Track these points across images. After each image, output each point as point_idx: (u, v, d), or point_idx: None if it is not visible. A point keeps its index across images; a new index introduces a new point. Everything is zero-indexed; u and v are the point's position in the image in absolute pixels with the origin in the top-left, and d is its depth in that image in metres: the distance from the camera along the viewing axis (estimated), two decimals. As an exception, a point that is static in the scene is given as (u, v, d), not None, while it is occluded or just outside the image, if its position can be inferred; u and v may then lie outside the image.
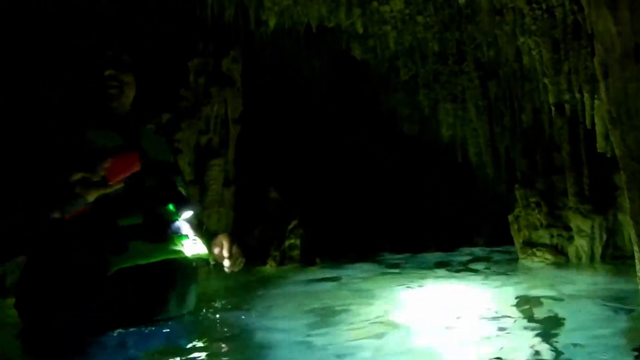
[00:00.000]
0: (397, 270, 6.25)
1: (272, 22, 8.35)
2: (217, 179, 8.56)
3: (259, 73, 10.19)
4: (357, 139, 11.72)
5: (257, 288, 5.10)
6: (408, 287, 4.60)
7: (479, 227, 9.52)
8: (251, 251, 8.42)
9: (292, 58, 10.92)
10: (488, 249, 8.27)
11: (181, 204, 1.69)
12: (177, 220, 1.66)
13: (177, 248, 1.63)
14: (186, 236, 1.66)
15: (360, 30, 8.31)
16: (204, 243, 1.89)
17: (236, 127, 8.75)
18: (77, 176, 1.32)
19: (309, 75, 11.10)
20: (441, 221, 10.50)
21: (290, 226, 8.09)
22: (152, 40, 8.94)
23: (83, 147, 1.55)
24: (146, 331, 1.72)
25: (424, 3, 7.89)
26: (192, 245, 1.72)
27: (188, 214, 1.71)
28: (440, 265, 6.60)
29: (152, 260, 1.55)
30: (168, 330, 1.78)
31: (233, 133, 8.74)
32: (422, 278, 5.17)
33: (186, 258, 1.69)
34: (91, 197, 1.38)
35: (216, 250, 1.85)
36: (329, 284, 5.25)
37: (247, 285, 5.32)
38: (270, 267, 7.50)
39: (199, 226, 1.79)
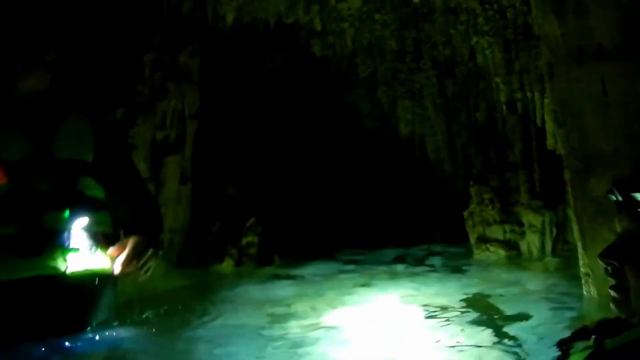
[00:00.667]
0: (353, 267, 6.29)
1: (229, 17, 8.25)
2: (174, 175, 8.41)
3: (218, 68, 10.06)
4: (317, 135, 11.73)
5: (207, 289, 5.02)
6: (363, 285, 4.64)
7: (437, 223, 9.66)
8: (208, 249, 8.35)
9: (252, 53, 10.82)
10: (445, 244, 8.41)
11: (80, 210, 1.43)
12: (68, 230, 1.40)
13: (55, 263, 1.38)
14: (75, 249, 1.41)
15: (319, 27, 8.29)
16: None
17: (193, 123, 8.60)
18: None
19: (270, 70, 11.02)
20: (400, 217, 10.62)
21: (248, 223, 8.03)
22: (106, 34, 8.71)
23: None
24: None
25: (381, 1, 7.93)
26: (83, 260, 1.45)
27: (82, 222, 1.43)
28: (397, 260, 6.67)
29: (19, 276, 1.31)
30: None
31: (190, 129, 8.59)
32: (377, 275, 5.22)
33: (66, 274, 1.39)
34: None
35: (111, 251, 1.53)
36: (284, 284, 5.22)
37: (200, 285, 5.25)
38: (227, 266, 7.42)
39: (103, 236, 1.52)
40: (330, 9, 8.06)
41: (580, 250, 3.43)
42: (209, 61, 9.49)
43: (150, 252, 1.57)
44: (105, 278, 1.50)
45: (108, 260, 1.45)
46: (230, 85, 11.06)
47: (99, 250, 1.46)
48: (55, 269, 1.35)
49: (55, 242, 1.34)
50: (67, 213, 1.40)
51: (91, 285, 1.42)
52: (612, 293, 0.41)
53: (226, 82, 11.00)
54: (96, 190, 1.52)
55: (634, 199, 0.40)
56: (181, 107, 8.55)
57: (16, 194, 1.32)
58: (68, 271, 1.37)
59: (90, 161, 1.52)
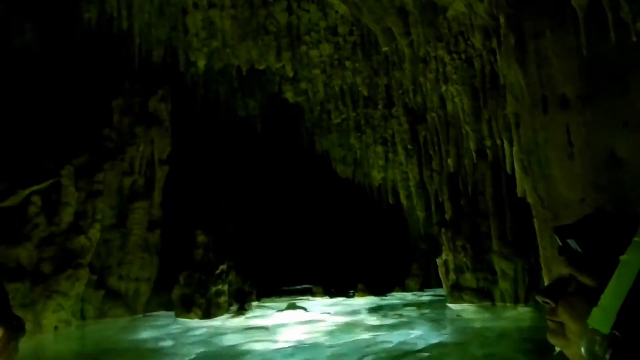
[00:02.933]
0: (324, 318, 6.08)
1: (201, 64, 8.23)
2: (141, 222, 8.18)
3: (190, 113, 9.99)
4: (290, 181, 11.65)
5: (171, 344, 4.75)
6: (331, 344, 4.44)
7: (410, 269, 9.53)
8: (176, 299, 8.01)
9: (225, 99, 10.81)
10: (419, 292, 8.27)
11: None
12: None
13: None
14: None
15: (291, 74, 8.33)
16: None
17: (163, 168, 8.45)
18: None
19: (243, 116, 11.00)
20: (373, 263, 10.47)
21: (218, 271, 7.78)
22: (73, 78, 8.60)
23: None
24: None
25: (352, 49, 8.03)
26: None
27: None
28: (371, 311, 6.48)
29: None
30: None
31: (160, 174, 8.42)
32: (350, 330, 5.03)
33: None
34: None
35: None
36: (253, 335, 4.99)
37: (163, 338, 4.97)
38: (194, 316, 7.12)
39: None
40: (301, 55, 8.11)
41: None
42: (180, 107, 9.44)
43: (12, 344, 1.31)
44: None
45: None
46: (202, 131, 10.99)
47: None
48: None
49: None
50: None
51: None
52: (549, 324, 0.44)
53: (197, 128, 10.93)
54: None
55: (570, 245, 0.43)
56: (150, 152, 8.42)
57: None
58: None
59: None
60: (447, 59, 6.14)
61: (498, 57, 4.54)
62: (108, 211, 7.86)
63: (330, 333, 4.96)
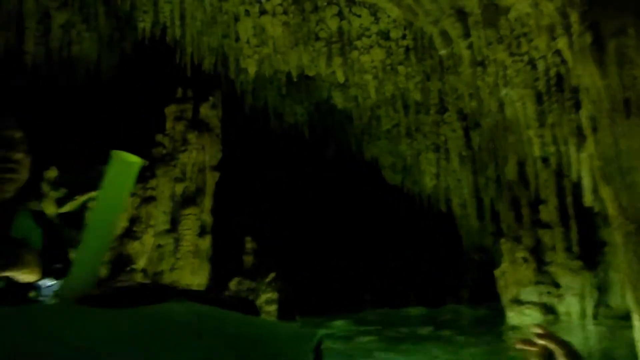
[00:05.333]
0: (375, 329, 5.90)
1: (252, 70, 8.22)
2: (192, 228, 8.22)
3: (239, 120, 10.03)
4: (339, 188, 11.52)
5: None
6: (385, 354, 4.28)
7: (463, 280, 9.22)
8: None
9: (273, 105, 10.82)
10: (473, 304, 7.95)
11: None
12: None
13: None
14: None
15: (342, 80, 8.20)
16: None
17: (214, 175, 8.47)
18: None
19: (291, 122, 10.97)
20: (424, 273, 10.20)
21: (268, 279, 7.72)
22: (128, 86, 8.78)
23: None
24: None
25: (405, 53, 7.85)
26: None
27: None
28: (423, 323, 6.26)
29: None
30: None
31: (210, 181, 8.45)
32: (401, 341, 4.84)
33: None
34: None
35: None
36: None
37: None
38: (245, 324, 7.04)
39: None
40: (352, 61, 7.99)
41: (636, 323, 3.05)
42: (229, 113, 9.48)
43: None
44: None
45: None
46: (251, 138, 11.01)
47: None
48: None
49: None
50: None
51: None
52: None
53: (246, 135, 10.97)
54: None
55: None
56: (201, 159, 8.46)
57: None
58: None
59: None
60: (508, 61, 5.88)
61: (568, 58, 4.27)
62: (161, 217, 7.92)
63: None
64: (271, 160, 10.68)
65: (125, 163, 0.80)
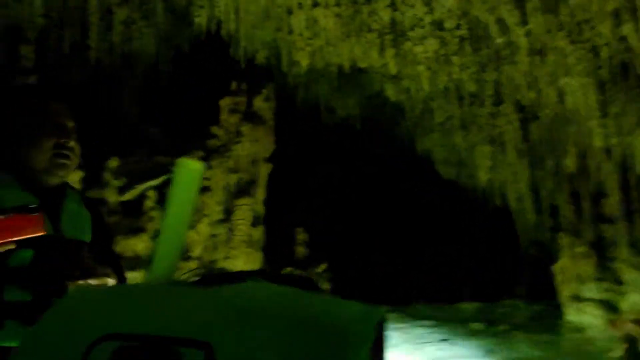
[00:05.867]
0: (431, 323, 5.84)
1: (304, 63, 8.25)
2: (246, 218, 8.38)
3: (291, 112, 10.12)
4: (391, 182, 11.44)
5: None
6: (439, 346, 4.22)
7: (519, 275, 8.98)
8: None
9: (325, 98, 10.83)
10: (530, 300, 7.73)
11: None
12: None
13: None
14: None
15: (394, 71, 8.12)
16: None
17: (267, 166, 8.61)
18: None
19: (343, 115, 10.96)
20: (479, 269, 10.00)
21: (319, 269, 7.78)
22: (184, 79, 9.02)
23: None
24: None
25: (459, 43, 7.68)
26: None
27: None
28: (477, 319, 6.15)
29: None
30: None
31: (263, 172, 8.59)
32: (456, 334, 4.77)
33: None
34: None
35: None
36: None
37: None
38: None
39: None
40: (405, 52, 7.89)
41: None
42: (281, 106, 9.57)
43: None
44: None
45: None
46: (302, 130, 11.09)
47: None
48: None
49: None
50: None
51: None
52: None
53: (298, 127, 11.05)
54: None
55: None
56: (255, 150, 8.60)
57: (38, 263, 1.29)
58: None
59: (89, 242, 1.43)
60: (568, 49, 5.66)
61: (634, 44, 4.08)
62: (215, 207, 8.11)
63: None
64: (323, 154, 10.72)
65: (190, 169, 0.90)
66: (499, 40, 5.91)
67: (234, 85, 8.72)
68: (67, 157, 1.38)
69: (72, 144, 1.38)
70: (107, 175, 7.37)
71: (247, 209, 8.32)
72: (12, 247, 1.17)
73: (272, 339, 0.60)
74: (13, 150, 1.36)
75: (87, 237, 1.43)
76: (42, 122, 1.35)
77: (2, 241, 1.15)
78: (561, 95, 6.42)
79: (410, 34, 7.84)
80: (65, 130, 1.38)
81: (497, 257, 10.46)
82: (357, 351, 0.61)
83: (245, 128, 8.49)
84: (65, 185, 1.45)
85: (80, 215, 1.44)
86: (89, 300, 0.74)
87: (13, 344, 1.25)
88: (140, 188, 7.45)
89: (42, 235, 1.17)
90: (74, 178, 7.19)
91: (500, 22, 5.92)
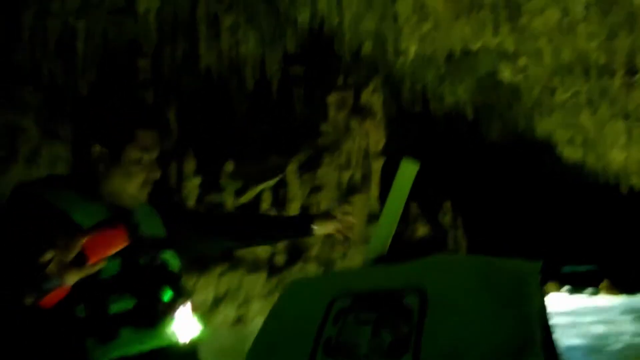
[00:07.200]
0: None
1: (412, 50, 7.93)
2: (361, 215, 8.20)
3: (399, 103, 9.83)
4: (507, 169, 10.76)
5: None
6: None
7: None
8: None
9: (432, 86, 10.41)
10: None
11: (174, 284, 1.48)
12: (168, 302, 1.45)
13: (169, 333, 1.43)
14: (175, 319, 1.45)
15: (511, 49, 7.55)
16: None
17: (379, 161, 8.38)
18: (48, 256, 1.09)
19: (451, 102, 10.47)
20: (617, 256, 9.10)
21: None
22: (291, 79, 9.03)
23: (57, 220, 1.32)
24: None
25: (585, 10, 6.97)
26: (185, 328, 1.45)
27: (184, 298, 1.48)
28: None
29: (144, 347, 1.37)
30: None
31: (376, 167, 8.37)
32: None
33: (179, 343, 1.44)
34: (69, 279, 1.14)
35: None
36: None
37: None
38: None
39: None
40: (523, 27, 7.30)
41: None
42: (388, 97, 9.30)
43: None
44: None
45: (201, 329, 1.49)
46: (410, 121, 10.74)
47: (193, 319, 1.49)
48: (174, 337, 1.43)
49: (165, 314, 1.43)
50: (168, 290, 1.44)
51: (197, 352, 1.53)
52: None
53: (405, 118, 10.71)
54: (175, 265, 1.49)
55: None
56: (365, 145, 8.41)
57: (126, 269, 1.36)
58: (181, 340, 1.45)
59: (165, 236, 1.51)
60: None
61: None
62: (329, 205, 8.02)
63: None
64: (433, 143, 10.32)
65: (409, 167, 1.07)
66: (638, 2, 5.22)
67: (340, 80, 8.59)
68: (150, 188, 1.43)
69: (158, 176, 1.42)
70: (223, 180, 7.52)
71: (361, 205, 8.14)
72: (104, 264, 1.20)
73: (467, 282, 0.75)
74: (103, 177, 1.40)
75: (162, 231, 1.49)
76: (136, 159, 1.39)
77: (95, 260, 1.17)
78: None
79: (527, 6, 7.24)
80: (155, 166, 1.41)
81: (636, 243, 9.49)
82: (535, 289, 0.73)
83: (354, 123, 8.33)
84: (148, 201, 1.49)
85: (150, 213, 1.50)
86: (313, 280, 1.03)
87: (131, 351, 1.33)
88: (256, 190, 7.53)
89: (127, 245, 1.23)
90: (194, 184, 7.44)
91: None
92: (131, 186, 1.39)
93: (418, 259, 0.86)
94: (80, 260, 1.16)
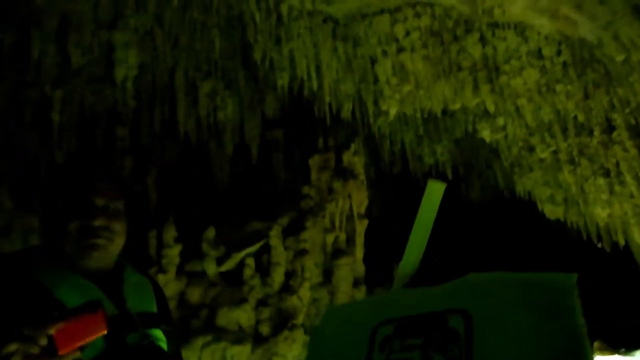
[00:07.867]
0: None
1: (393, 111, 7.94)
2: (346, 279, 7.91)
3: (378, 164, 9.77)
4: (490, 228, 10.69)
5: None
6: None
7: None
8: None
9: (411, 147, 10.44)
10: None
11: None
12: None
13: None
14: None
15: (491, 108, 7.62)
16: None
17: (363, 222, 8.18)
18: (12, 347, 1.00)
19: (431, 163, 10.49)
20: (606, 315, 8.91)
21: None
22: (271, 142, 8.93)
23: (37, 304, 1.22)
24: None
25: (563, 70, 7.12)
26: None
27: None
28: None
29: None
30: None
31: (360, 229, 8.16)
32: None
33: None
34: None
35: None
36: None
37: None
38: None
39: None
40: (502, 87, 7.41)
41: None
42: (368, 158, 9.26)
43: None
44: None
45: None
46: (391, 182, 10.67)
47: None
48: None
49: None
50: None
51: None
52: None
53: (386, 179, 10.65)
54: (163, 343, 1.37)
55: None
56: (349, 207, 8.24)
57: (113, 349, 1.26)
58: None
59: (156, 312, 1.41)
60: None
61: None
62: (314, 269, 7.72)
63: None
64: (416, 205, 10.20)
65: (436, 186, 1.07)
66: (621, 57, 5.33)
67: (320, 142, 8.52)
68: (94, 237, 1.30)
69: (98, 222, 1.29)
70: (205, 246, 7.19)
71: (347, 269, 7.86)
72: (77, 355, 1.10)
73: (508, 299, 0.76)
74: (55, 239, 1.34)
75: (154, 307, 1.40)
76: (69, 206, 1.31)
77: (66, 351, 1.08)
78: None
79: (505, 67, 7.38)
80: (92, 210, 1.30)
81: (624, 302, 9.37)
82: (576, 300, 0.75)
83: (337, 185, 8.18)
84: (120, 262, 1.40)
85: (142, 286, 1.42)
86: (349, 307, 1.04)
87: None
88: (238, 256, 7.20)
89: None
90: (174, 252, 7.07)
91: (616, 39, 5.36)
92: (68, 241, 1.31)
93: (453, 280, 0.87)
94: (50, 351, 1.07)
